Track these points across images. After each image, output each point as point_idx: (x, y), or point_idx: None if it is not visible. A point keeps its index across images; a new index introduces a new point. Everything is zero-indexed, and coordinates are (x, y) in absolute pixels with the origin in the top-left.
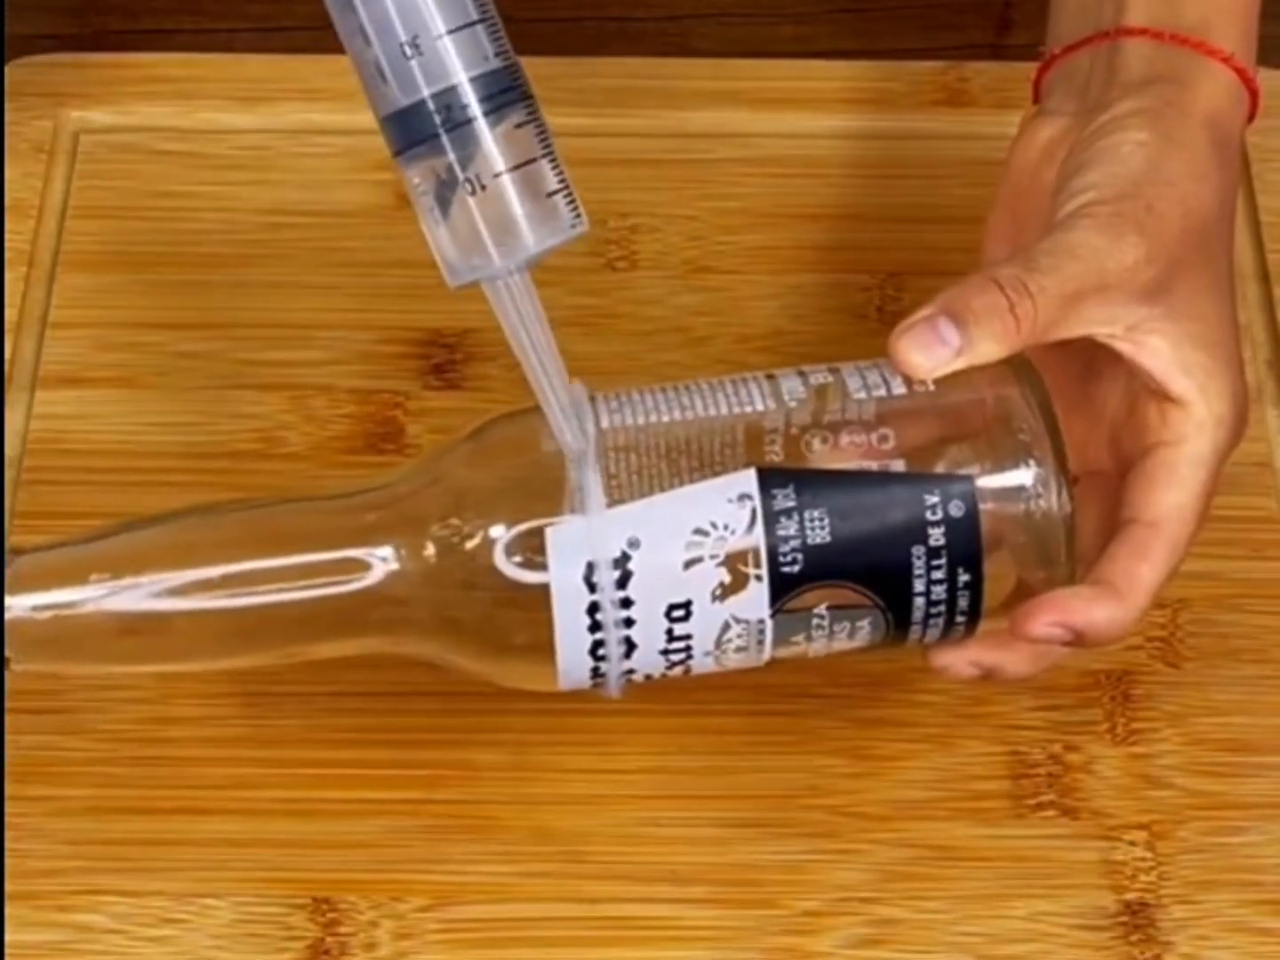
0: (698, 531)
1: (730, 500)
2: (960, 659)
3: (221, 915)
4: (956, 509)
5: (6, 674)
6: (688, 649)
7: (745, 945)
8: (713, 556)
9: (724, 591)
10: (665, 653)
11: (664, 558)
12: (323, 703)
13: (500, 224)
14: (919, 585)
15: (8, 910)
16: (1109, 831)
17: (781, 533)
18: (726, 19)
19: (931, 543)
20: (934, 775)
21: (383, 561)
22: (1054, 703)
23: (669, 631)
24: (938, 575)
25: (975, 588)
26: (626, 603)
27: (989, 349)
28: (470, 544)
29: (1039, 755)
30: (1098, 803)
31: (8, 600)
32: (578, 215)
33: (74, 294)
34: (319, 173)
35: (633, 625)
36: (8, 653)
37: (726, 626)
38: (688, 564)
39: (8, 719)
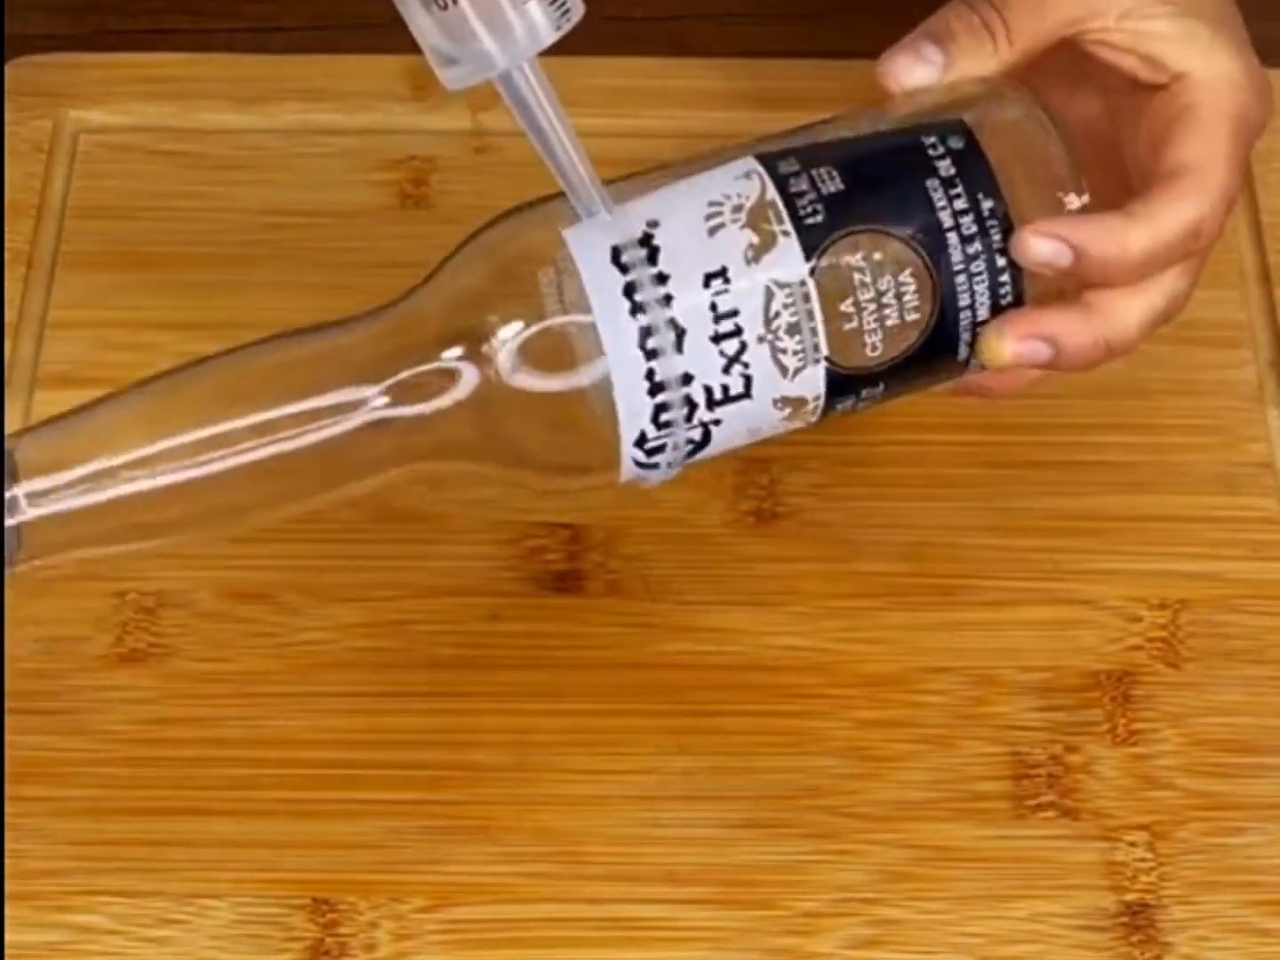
0: (713, 204)
1: (737, 177)
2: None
3: (221, 915)
4: (956, 143)
5: (6, 674)
6: (739, 332)
7: (745, 946)
8: (734, 220)
9: (755, 252)
10: (716, 339)
11: (687, 228)
12: (323, 703)
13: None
14: (945, 217)
15: (8, 910)
16: (1109, 832)
17: (795, 189)
18: (726, 19)
19: (943, 173)
20: (934, 776)
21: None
22: (1054, 703)
23: (713, 306)
24: (960, 205)
25: (1003, 216)
26: (662, 278)
27: (970, 65)
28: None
29: (1039, 756)
30: (1098, 803)
31: (20, 491)
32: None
33: (74, 294)
34: (319, 173)
35: (672, 302)
36: (21, 554)
37: (770, 295)
38: (712, 231)
39: (8, 719)
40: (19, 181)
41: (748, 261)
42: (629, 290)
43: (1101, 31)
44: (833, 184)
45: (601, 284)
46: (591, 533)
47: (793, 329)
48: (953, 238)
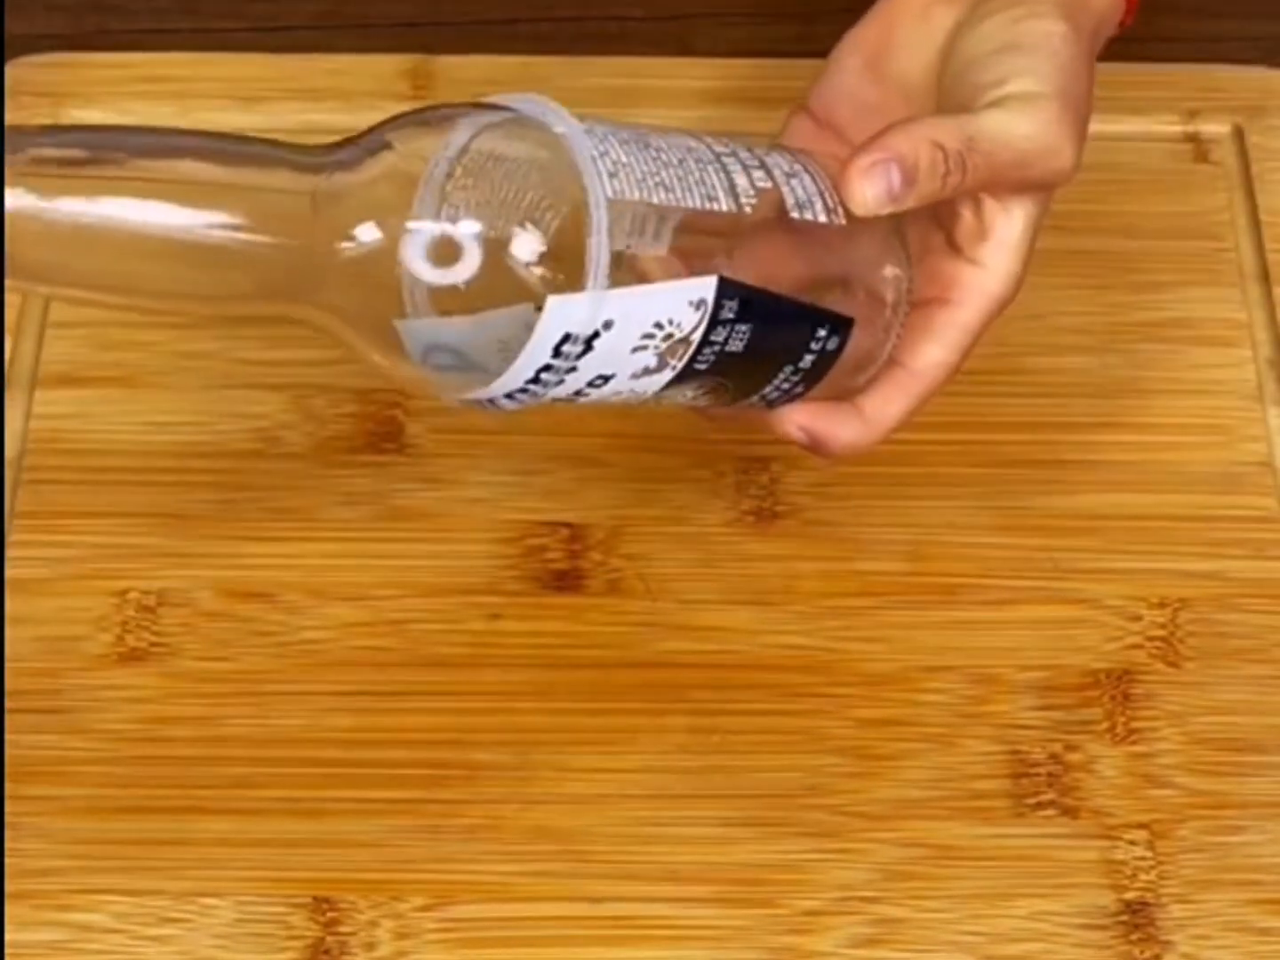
0: (656, 325)
1: (691, 303)
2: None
3: (222, 915)
4: (833, 344)
5: (6, 674)
6: (576, 393)
7: (746, 945)
8: (655, 348)
9: (644, 373)
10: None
11: (623, 341)
12: (323, 701)
13: None
14: (770, 387)
15: (8, 910)
16: (1109, 831)
17: (713, 338)
18: (726, 19)
19: (801, 364)
20: (934, 775)
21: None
22: (1054, 702)
23: (579, 391)
24: (787, 385)
25: (808, 388)
26: (571, 370)
27: (913, 202)
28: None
29: (1039, 755)
30: (1098, 802)
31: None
32: None
33: None
34: None
35: (561, 384)
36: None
37: (618, 392)
38: (634, 349)
39: (8, 719)
40: None
41: (632, 376)
42: (543, 369)
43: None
44: (738, 344)
45: (535, 353)
46: (592, 532)
47: (609, 397)
48: (764, 391)
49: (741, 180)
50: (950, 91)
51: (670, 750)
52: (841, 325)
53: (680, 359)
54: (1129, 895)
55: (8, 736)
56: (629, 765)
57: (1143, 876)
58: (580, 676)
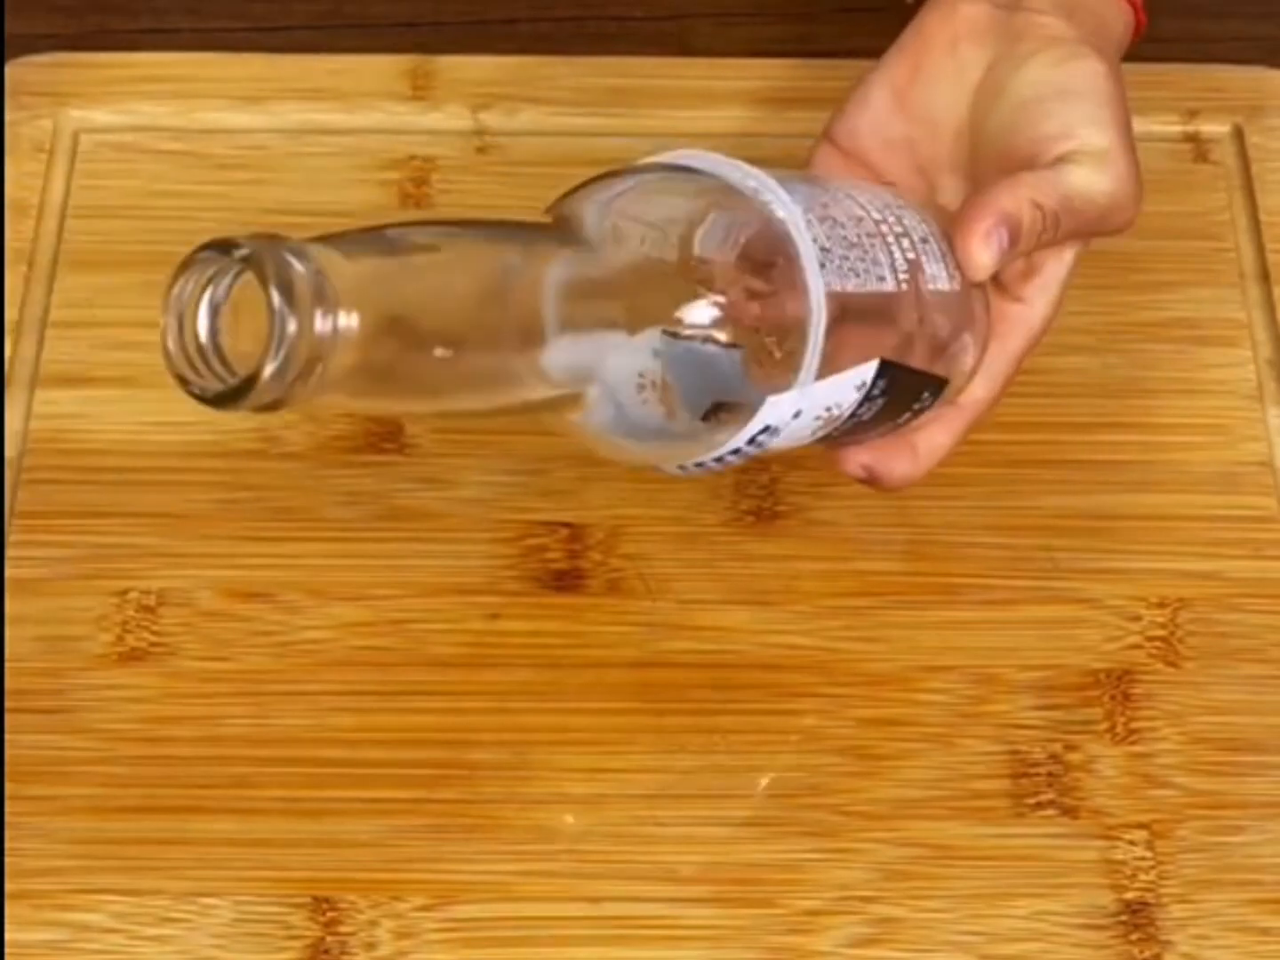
0: (827, 409)
1: (856, 386)
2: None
3: (222, 914)
4: (930, 403)
5: (6, 674)
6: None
7: (745, 944)
8: (817, 427)
9: (795, 442)
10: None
11: (803, 428)
12: (323, 701)
13: None
14: (867, 437)
15: (8, 910)
16: (1109, 831)
17: (858, 411)
18: (726, 19)
19: (899, 421)
20: (934, 774)
21: None
22: (1054, 702)
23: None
24: (877, 435)
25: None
26: (753, 451)
27: (1011, 261)
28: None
29: (1039, 754)
30: (1098, 802)
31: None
32: None
33: (74, 294)
34: (319, 173)
35: (738, 454)
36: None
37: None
38: (807, 429)
39: (8, 719)
40: (19, 181)
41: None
42: (732, 452)
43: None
44: (868, 413)
45: (731, 445)
46: (591, 531)
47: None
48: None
49: (896, 254)
50: (1002, 136)
51: (670, 750)
52: (940, 386)
53: (827, 429)
54: (1129, 895)
55: (8, 736)
56: (629, 765)
57: (1142, 876)
58: (580, 676)
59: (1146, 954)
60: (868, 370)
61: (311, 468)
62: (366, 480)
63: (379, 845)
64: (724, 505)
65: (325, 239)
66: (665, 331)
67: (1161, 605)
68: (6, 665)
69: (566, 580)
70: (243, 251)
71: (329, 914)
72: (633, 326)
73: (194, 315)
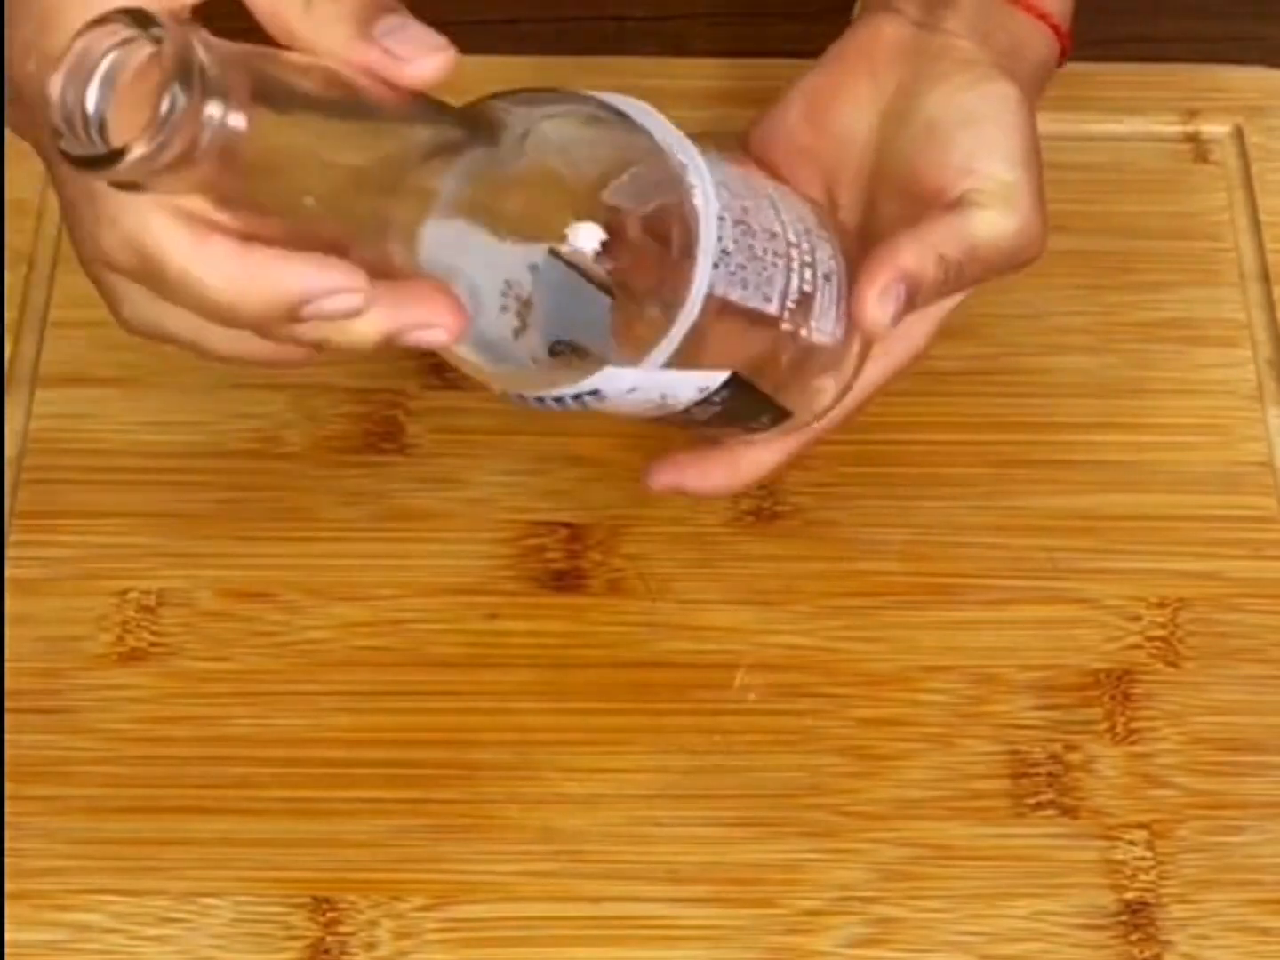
0: (662, 395)
1: (699, 388)
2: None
3: (222, 914)
4: (765, 429)
5: (6, 674)
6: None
7: (745, 945)
8: (649, 410)
9: (624, 412)
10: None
11: (633, 405)
12: (323, 701)
13: None
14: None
15: (8, 909)
16: (1109, 831)
17: (693, 411)
18: (724, 19)
19: (728, 433)
20: (934, 775)
21: None
22: (1054, 702)
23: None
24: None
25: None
26: (576, 405)
27: (904, 316)
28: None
29: (1039, 755)
30: (1097, 802)
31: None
32: None
33: (74, 294)
34: None
35: (561, 403)
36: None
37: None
38: (636, 406)
39: (8, 719)
40: (20, 181)
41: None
42: (555, 400)
43: None
44: (705, 415)
45: (564, 399)
46: (591, 531)
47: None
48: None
49: (794, 281)
50: (906, 160)
51: (670, 750)
52: (782, 417)
53: (658, 413)
54: (1129, 895)
55: (8, 736)
56: (629, 765)
57: (1142, 876)
58: (580, 676)
59: (1146, 954)
60: (716, 378)
61: (311, 468)
62: (366, 480)
63: (379, 845)
64: (724, 505)
65: (254, 52)
66: (551, 250)
67: (1161, 605)
68: (7, 665)
69: (566, 580)
70: (157, 32)
71: (329, 914)
72: (521, 233)
73: (87, 77)
